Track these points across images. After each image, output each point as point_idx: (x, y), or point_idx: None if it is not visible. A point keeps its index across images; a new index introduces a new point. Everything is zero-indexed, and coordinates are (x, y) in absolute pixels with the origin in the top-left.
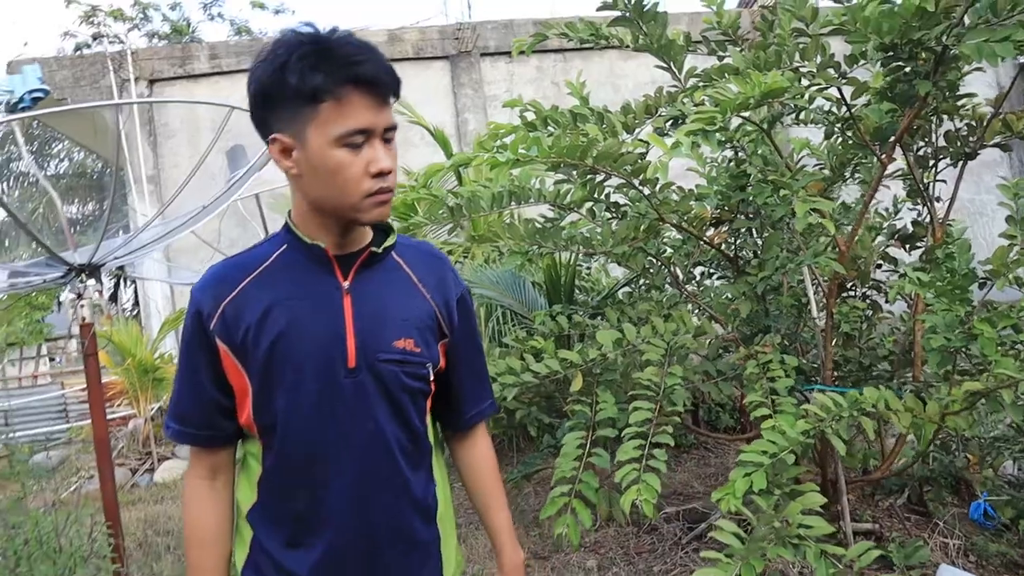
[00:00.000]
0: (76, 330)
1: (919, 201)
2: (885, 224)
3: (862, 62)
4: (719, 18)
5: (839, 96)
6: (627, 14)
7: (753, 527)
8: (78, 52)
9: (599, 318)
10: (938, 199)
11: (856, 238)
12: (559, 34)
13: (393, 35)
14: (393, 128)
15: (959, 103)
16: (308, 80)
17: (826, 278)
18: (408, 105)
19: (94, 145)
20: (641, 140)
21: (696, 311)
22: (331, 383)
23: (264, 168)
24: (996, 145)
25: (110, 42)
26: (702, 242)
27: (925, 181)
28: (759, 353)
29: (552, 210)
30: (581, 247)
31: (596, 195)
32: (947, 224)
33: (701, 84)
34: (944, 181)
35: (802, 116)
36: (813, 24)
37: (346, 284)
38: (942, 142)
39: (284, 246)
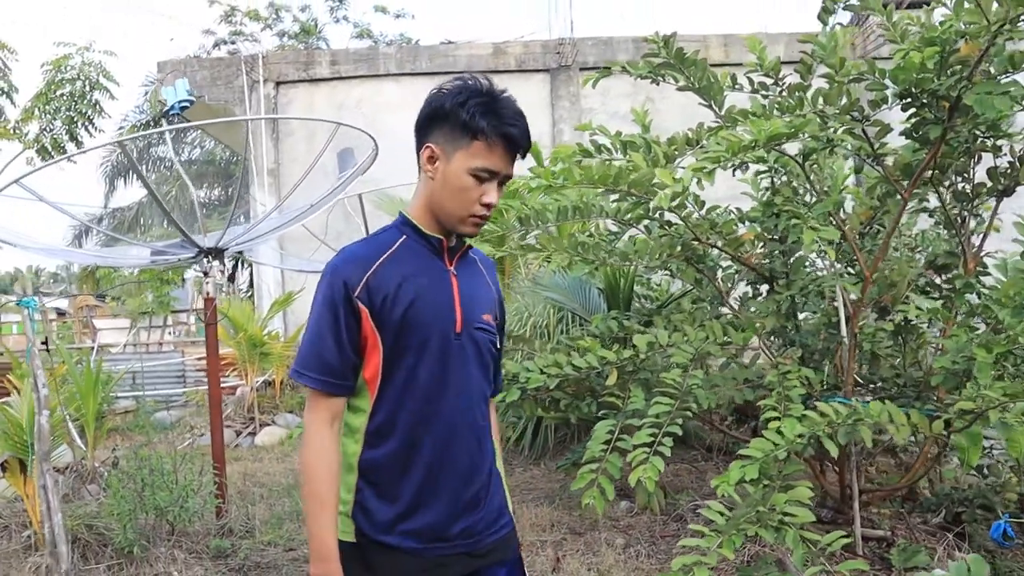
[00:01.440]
0: (199, 304)
1: (954, 233)
2: (920, 252)
3: (885, 106)
4: (762, 61)
5: (863, 135)
6: (671, 60)
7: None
8: (216, 47)
9: (650, 324)
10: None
11: (880, 264)
12: (620, 69)
13: (498, 48)
14: (510, 177)
15: (999, 141)
16: (476, 121)
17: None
18: None
19: (224, 137)
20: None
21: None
22: (446, 343)
23: (368, 171)
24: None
25: (245, 40)
26: (739, 261)
27: (963, 215)
28: (780, 364)
29: (615, 224)
30: (619, 259)
31: (651, 214)
32: (980, 256)
33: (726, 125)
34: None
35: (836, 151)
36: (840, 72)
37: (452, 268)
38: (985, 177)
39: (404, 236)
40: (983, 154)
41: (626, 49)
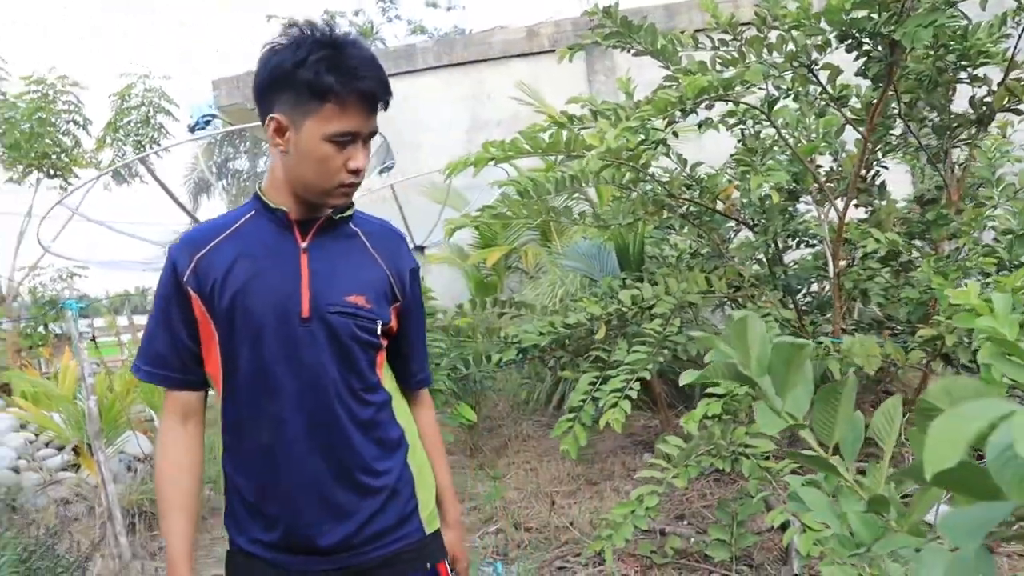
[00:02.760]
0: None
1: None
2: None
3: (830, 49)
4: (717, 18)
5: (815, 79)
6: (619, 29)
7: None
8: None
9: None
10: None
11: (848, 207)
12: (592, 40)
13: (531, 30)
14: (374, 133)
15: (977, 70)
16: (321, 80)
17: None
18: (537, 94)
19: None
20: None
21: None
22: (288, 331)
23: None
24: (1006, 110)
25: None
26: (716, 212)
27: (944, 148)
28: (761, 307)
29: (617, 190)
30: (592, 221)
31: (640, 176)
32: (963, 188)
33: (668, 85)
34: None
35: (799, 99)
36: (781, 21)
37: (304, 244)
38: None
39: (252, 212)
40: (959, 86)
41: (658, 18)
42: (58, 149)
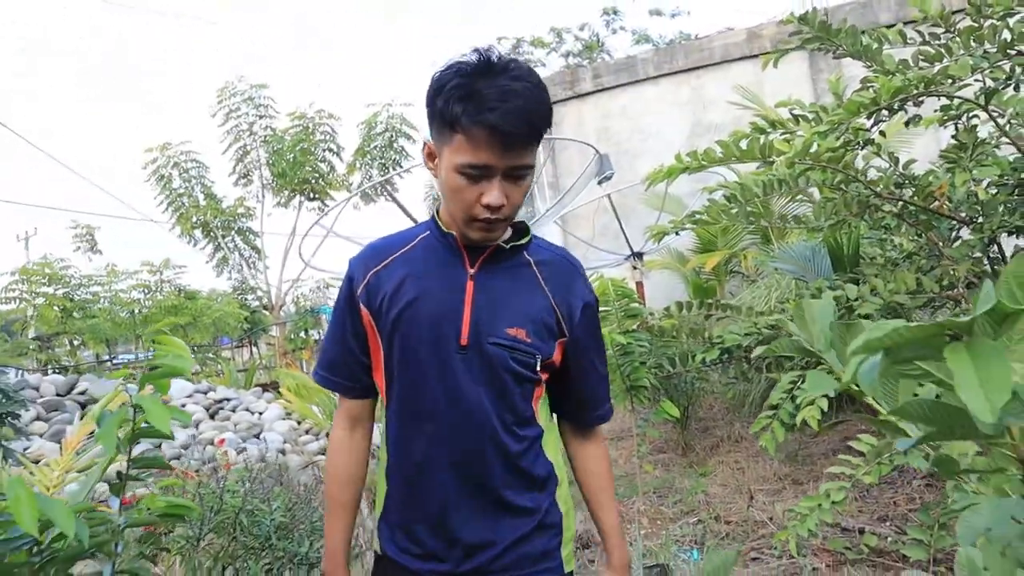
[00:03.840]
0: None
1: None
2: None
3: None
4: (925, 12)
5: None
6: (818, 34)
7: None
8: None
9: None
10: None
11: None
12: (800, 42)
13: (752, 33)
14: (523, 168)
15: None
16: (450, 110)
17: None
18: (758, 97)
19: None
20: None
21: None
22: (445, 356)
23: (611, 175)
24: None
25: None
26: (931, 212)
27: None
28: (969, 310)
29: (830, 190)
30: (793, 224)
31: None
32: None
33: (867, 86)
34: None
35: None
36: (993, 8)
37: (472, 271)
38: None
39: (427, 232)
40: None
41: (888, 7)
42: (316, 175)
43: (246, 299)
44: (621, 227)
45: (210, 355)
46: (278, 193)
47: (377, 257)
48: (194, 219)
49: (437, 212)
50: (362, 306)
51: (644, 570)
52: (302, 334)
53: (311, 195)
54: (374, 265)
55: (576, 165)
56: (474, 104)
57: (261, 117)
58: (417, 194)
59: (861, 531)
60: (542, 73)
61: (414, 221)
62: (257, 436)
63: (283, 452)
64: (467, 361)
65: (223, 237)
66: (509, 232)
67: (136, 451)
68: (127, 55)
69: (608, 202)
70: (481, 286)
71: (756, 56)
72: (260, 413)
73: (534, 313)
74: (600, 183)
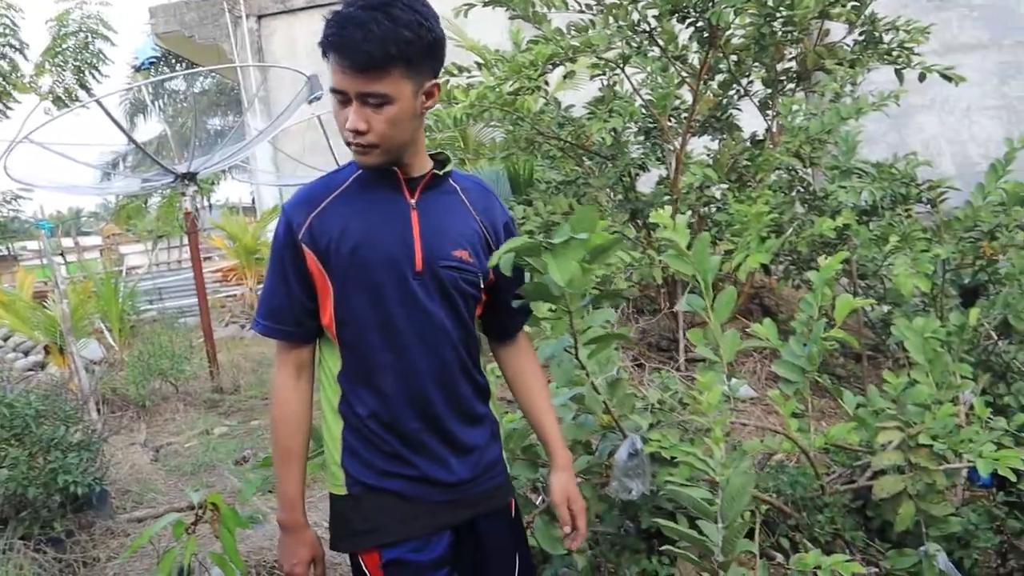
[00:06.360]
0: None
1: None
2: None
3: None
4: None
5: (656, 43)
6: None
7: None
8: None
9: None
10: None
11: (684, 145)
12: (481, 4)
13: None
14: (374, 95)
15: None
16: (323, 35)
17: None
18: (461, 30)
19: (221, 73)
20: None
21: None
22: (403, 283)
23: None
24: (818, 69)
25: None
26: (583, 148)
27: (771, 98)
28: (612, 227)
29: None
30: (471, 154)
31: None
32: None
33: (530, 48)
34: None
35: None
36: None
37: (413, 201)
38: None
39: (359, 170)
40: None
41: None
42: None
43: None
44: (330, 145)
45: None
46: None
47: (314, 201)
48: None
49: None
50: (306, 248)
51: (629, 456)
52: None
53: None
54: (312, 208)
55: (288, 83)
56: (329, 28)
57: None
58: (113, 97)
59: None
60: None
61: (123, 131)
62: None
63: None
64: (424, 285)
65: None
66: (431, 163)
67: None
68: None
69: (318, 122)
70: (423, 213)
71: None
72: None
73: (470, 235)
74: (310, 103)
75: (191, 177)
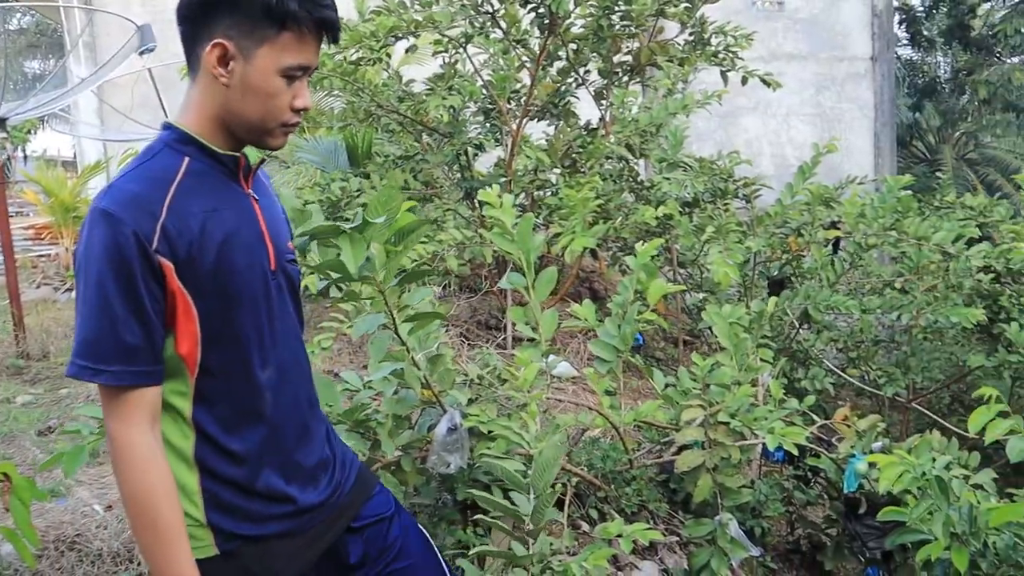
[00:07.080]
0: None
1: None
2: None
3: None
4: None
5: (498, 25)
6: None
7: None
8: None
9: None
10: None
11: (521, 128)
12: None
13: None
14: (316, 68)
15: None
16: (280, 6)
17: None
18: None
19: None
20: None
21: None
22: (267, 287)
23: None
24: (650, 64)
25: None
26: (421, 124)
27: (606, 89)
28: (444, 204)
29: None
30: (309, 122)
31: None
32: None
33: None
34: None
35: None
36: None
37: (249, 191)
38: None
39: (187, 158)
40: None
41: None
42: None
43: None
44: (160, 101)
45: None
46: None
47: (152, 203)
48: None
49: (187, 129)
50: (164, 260)
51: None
52: None
53: None
54: (155, 211)
55: (116, 29)
56: (310, 5)
57: None
58: None
59: None
60: None
61: None
62: None
63: None
64: (279, 286)
65: None
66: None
67: None
68: None
69: (148, 75)
70: (260, 205)
71: None
72: None
73: (286, 221)
74: (141, 55)
75: (0, 122)
